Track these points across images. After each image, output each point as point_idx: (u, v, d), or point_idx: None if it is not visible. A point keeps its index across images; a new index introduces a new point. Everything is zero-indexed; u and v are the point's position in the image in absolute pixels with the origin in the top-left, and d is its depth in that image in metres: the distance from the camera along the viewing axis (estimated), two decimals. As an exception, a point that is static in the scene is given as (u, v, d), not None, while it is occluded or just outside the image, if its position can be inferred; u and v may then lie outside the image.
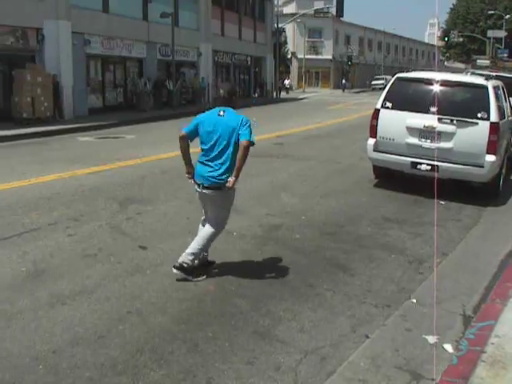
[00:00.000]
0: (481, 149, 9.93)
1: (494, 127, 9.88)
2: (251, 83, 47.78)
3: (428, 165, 10.25)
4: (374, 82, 77.68)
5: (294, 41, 76.22)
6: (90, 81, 27.65)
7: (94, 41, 26.98)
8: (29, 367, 4.40)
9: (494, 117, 9.92)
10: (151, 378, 4.32)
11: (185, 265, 6.14)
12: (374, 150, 10.97)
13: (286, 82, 61.43)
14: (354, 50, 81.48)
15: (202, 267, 6.38)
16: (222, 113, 6.08)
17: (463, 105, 10.46)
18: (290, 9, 76.95)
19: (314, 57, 77.28)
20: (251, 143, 5.89)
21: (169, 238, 7.75)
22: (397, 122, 10.63)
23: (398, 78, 11.28)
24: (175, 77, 31.80)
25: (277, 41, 50.48)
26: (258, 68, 48.88)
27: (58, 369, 4.39)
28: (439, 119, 10.13)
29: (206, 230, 6.30)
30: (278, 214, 9.07)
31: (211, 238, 6.29)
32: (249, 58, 46.68)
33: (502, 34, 71.78)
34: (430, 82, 10.74)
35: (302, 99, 50.09)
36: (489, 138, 9.87)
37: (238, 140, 5.89)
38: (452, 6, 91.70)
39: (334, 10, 53.29)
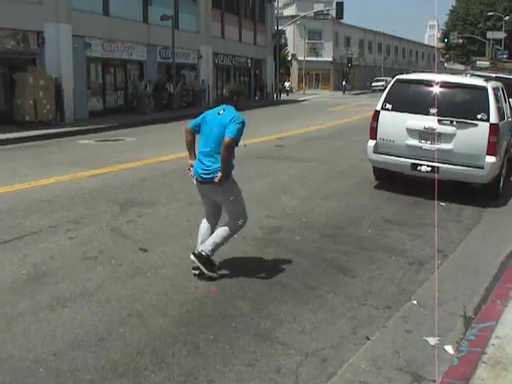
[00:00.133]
0: (481, 150, 9.93)
1: (493, 128, 9.88)
2: (251, 85, 47.78)
3: (428, 166, 10.26)
4: (374, 84, 77.75)
5: (294, 43, 76.32)
6: (90, 84, 27.69)
7: (94, 44, 27.02)
8: (29, 370, 4.40)
9: (493, 118, 9.93)
10: (152, 380, 4.32)
11: (203, 253, 6.22)
12: (374, 152, 10.98)
13: (287, 84, 61.52)
14: (354, 52, 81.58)
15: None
16: (221, 111, 6.17)
17: (463, 106, 10.47)
18: (289, 11, 77.08)
19: (314, 59, 77.37)
20: (233, 141, 5.92)
21: (169, 240, 7.76)
22: (397, 124, 10.64)
23: (397, 80, 11.29)
24: (175, 79, 31.83)
25: (277, 43, 50.56)
26: (258, 70, 48.91)
27: (58, 372, 4.39)
28: (439, 121, 10.14)
29: (225, 226, 6.34)
30: (278, 216, 9.07)
31: (234, 230, 6.36)
32: (249, 60, 46.71)
33: (501, 35, 71.79)
34: (429, 83, 10.75)
35: (302, 101, 50.11)
36: (489, 139, 9.88)
37: None
38: (451, 8, 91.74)
39: (333, 12, 53.49)
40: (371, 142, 11.05)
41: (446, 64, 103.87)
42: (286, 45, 70.10)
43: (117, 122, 24.76)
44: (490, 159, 9.90)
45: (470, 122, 9.97)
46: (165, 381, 4.32)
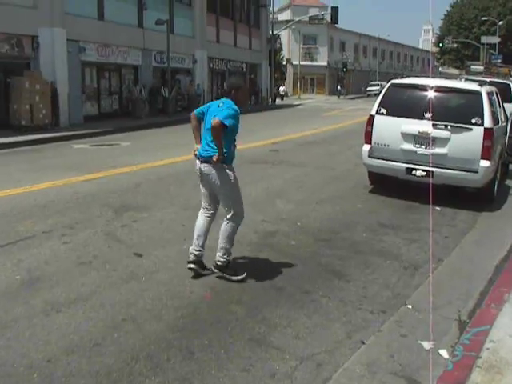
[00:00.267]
0: (475, 154, 9.96)
1: (488, 133, 9.91)
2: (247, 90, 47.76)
3: (423, 170, 10.28)
4: (369, 88, 77.92)
5: (289, 47, 76.42)
6: (85, 88, 27.67)
7: (89, 48, 27.00)
8: (23, 376, 4.38)
9: (488, 122, 9.96)
10: (146, 385, 4.31)
11: (219, 263, 6.41)
12: (369, 156, 11.00)
13: (281, 88, 61.54)
14: (349, 57, 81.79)
15: (200, 267, 6.53)
16: (221, 104, 6.34)
17: (457, 111, 10.49)
18: (284, 16, 77.27)
19: (309, 63, 77.50)
20: (221, 123, 6.02)
21: (164, 245, 7.74)
22: (391, 128, 10.66)
23: (392, 85, 11.31)
24: (170, 84, 31.82)
25: (272, 47, 50.57)
26: (253, 75, 48.95)
27: (52, 377, 4.37)
28: (434, 125, 10.16)
29: (226, 225, 6.45)
30: (273, 221, 9.07)
31: (233, 230, 6.46)
32: (244, 65, 46.76)
33: (495, 40, 72.11)
34: (424, 88, 10.77)
35: (297, 106, 50.18)
36: (483, 143, 9.90)
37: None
38: (446, 13, 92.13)
39: (328, 17, 53.57)
40: (366, 147, 11.06)
41: (440, 68, 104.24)
42: (280, 49, 70.13)
43: (112, 126, 24.73)
44: (485, 163, 9.93)
45: (464, 126, 10.00)
46: (159, 386, 4.31)
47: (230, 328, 5.25)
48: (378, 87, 70.47)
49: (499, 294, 5.89)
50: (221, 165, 6.25)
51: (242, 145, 6.74)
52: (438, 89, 10.63)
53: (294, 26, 63.45)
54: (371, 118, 11.01)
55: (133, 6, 30.50)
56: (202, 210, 6.72)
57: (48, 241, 7.83)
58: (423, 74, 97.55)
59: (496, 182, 10.94)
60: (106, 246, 7.68)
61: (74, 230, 8.41)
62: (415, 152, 10.40)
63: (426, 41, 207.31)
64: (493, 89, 11.80)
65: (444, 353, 4.78)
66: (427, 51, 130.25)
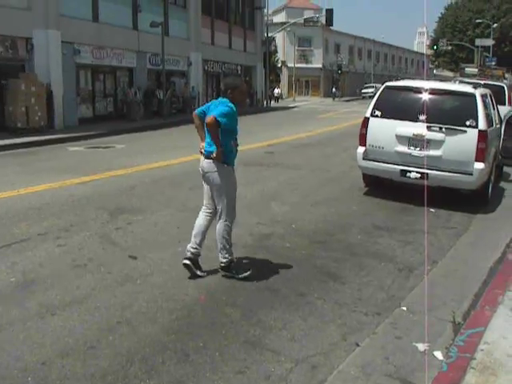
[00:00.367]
0: (469, 156, 9.98)
1: (482, 135, 9.94)
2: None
3: (417, 173, 10.29)
4: (363, 91, 78.02)
5: (284, 50, 76.49)
6: (80, 90, 27.63)
7: (83, 50, 26.98)
8: (17, 379, 4.37)
9: (482, 125, 9.99)
10: (141, 388, 4.31)
11: (222, 264, 6.56)
12: (364, 159, 11.02)
13: (276, 91, 61.58)
14: (344, 59, 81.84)
15: (194, 264, 6.58)
16: (218, 103, 6.46)
17: (452, 113, 10.52)
18: (279, 18, 77.36)
19: (304, 65, 77.54)
20: (214, 119, 6.12)
21: (159, 247, 7.74)
22: (386, 131, 10.68)
23: (386, 87, 11.34)
24: (165, 86, 31.81)
25: (267, 50, 50.63)
26: (248, 77, 48.97)
27: (47, 381, 4.36)
28: (428, 127, 10.19)
29: (219, 226, 6.55)
30: (268, 223, 9.07)
31: (227, 231, 6.55)
32: (239, 67, 46.78)
33: (489, 42, 72.37)
34: (418, 90, 10.79)
35: (292, 108, 50.21)
36: (477, 145, 9.93)
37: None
38: (440, 15, 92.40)
39: (323, 19, 53.67)
40: (361, 149, 11.08)
41: (435, 71, 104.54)
42: (275, 51, 70.22)
43: (106, 128, 24.71)
44: (479, 165, 9.95)
45: (458, 128, 10.02)
46: (154, 389, 4.31)
47: (224, 330, 5.25)
48: (372, 89, 70.60)
49: (493, 295, 5.90)
50: (221, 164, 6.36)
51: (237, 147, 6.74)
52: (433, 91, 10.66)
53: (288, 29, 63.49)
54: (366, 120, 11.03)
55: (127, 8, 30.49)
56: (202, 208, 6.83)
57: (43, 243, 7.82)
58: (418, 76, 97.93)
59: (490, 184, 10.97)
60: (100, 248, 7.67)
61: (69, 232, 8.40)
62: (410, 154, 10.42)
63: (420, 43, 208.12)
64: (487, 91, 11.84)
65: (438, 354, 4.79)
66: (422, 53, 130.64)
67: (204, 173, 6.57)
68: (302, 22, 58.20)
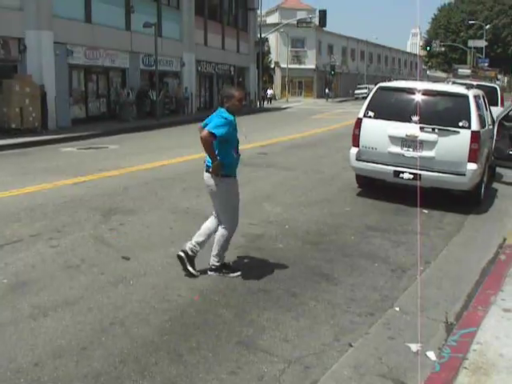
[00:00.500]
0: (462, 157, 10.01)
1: (475, 136, 9.97)
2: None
3: (410, 173, 10.31)
4: (357, 92, 78.20)
5: (278, 50, 76.53)
6: (72, 91, 27.53)
7: (76, 51, 26.88)
8: (10, 380, 4.35)
9: (474, 125, 10.01)
10: (134, 389, 4.30)
11: (213, 266, 6.68)
12: (357, 159, 11.03)
13: (269, 92, 61.56)
14: (337, 60, 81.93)
15: (189, 260, 6.65)
16: (215, 114, 6.48)
17: (445, 114, 10.54)
18: (272, 19, 77.32)
19: (297, 66, 77.58)
20: (208, 133, 6.18)
21: (152, 248, 7.73)
22: (379, 131, 10.70)
23: (380, 88, 11.36)
24: (158, 87, 31.76)
25: (260, 50, 50.63)
26: (241, 78, 48.96)
27: (40, 382, 4.35)
28: (421, 128, 10.21)
29: (218, 232, 6.67)
30: (261, 224, 9.07)
31: (226, 239, 6.65)
32: (232, 68, 46.75)
33: (482, 43, 72.69)
34: (411, 91, 10.82)
35: (285, 109, 50.20)
36: (470, 146, 9.96)
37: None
38: (434, 16, 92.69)
39: (316, 20, 53.73)
40: (354, 150, 11.10)
41: (428, 72, 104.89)
42: (269, 52, 70.26)
43: (99, 129, 24.64)
44: (472, 166, 9.98)
45: (451, 129, 10.05)
46: (147, 390, 4.30)
47: (217, 331, 5.25)
48: (365, 90, 70.79)
49: (486, 296, 5.92)
50: (220, 177, 6.42)
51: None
52: (426, 92, 10.68)
53: (282, 29, 63.51)
54: (359, 121, 11.05)
55: (120, 9, 30.41)
56: (213, 213, 6.87)
57: (35, 244, 7.79)
58: (411, 77, 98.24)
59: (483, 185, 11.00)
60: (93, 249, 7.65)
61: (61, 233, 8.38)
62: (403, 155, 10.44)
63: (413, 44, 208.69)
64: (480, 92, 11.88)
65: (431, 355, 4.81)
66: (415, 54, 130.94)
67: (206, 185, 6.63)
68: (295, 22, 58.17)
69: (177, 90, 36.57)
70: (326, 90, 72.54)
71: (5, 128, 22.06)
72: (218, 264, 6.66)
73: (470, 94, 10.47)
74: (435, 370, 4.44)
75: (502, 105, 19.05)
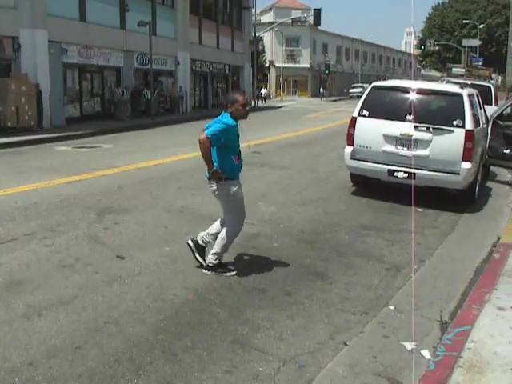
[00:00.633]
0: (457, 156, 10.03)
1: (469, 135, 9.99)
2: (229, 92, 47.72)
3: (405, 172, 10.33)
4: (351, 91, 78.27)
5: (272, 49, 76.52)
6: (67, 90, 27.47)
7: (71, 50, 26.81)
8: (4, 380, 4.34)
9: (469, 124, 10.03)
10: (129, 388, 4.30)
11: (210, 264, 6.69)
12: (352, 158, 11.04)
13: (263, 91, 61.48)
14: (332, 59, 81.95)
15: (198, 250, 6.84)
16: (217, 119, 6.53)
17: (439, 113, 10.56)
18: (267, 18, 77.32)
19: (291, 65, 77.58)
20: (205, 138, 6.22)
21: (147, 247, 7.72)
22: (373, 130, 10.71)
23: (374, 87, 11.37)
24: (153, 86, 31.72)
25: (254, 49, 50.61)
26: (236, 77, 48.93)
27: (34, 381, 4.34)
28: (415, 127, 10.23)
29: (221, 232, 6.72)
30: (256, 223, 9.07)
31: (229, 239, 6.70)
32: (227, 67, 46.70)
33: (476, 42, 72.83)
34: (406, 90, 10.83)
35: (280, 107, 50.20)
36: (464, 145, 9.98)
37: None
38: (428, 15, 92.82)
39: (311, 19, 53.74)
40: (348, 149, 11.11)
41: (422, 71, 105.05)
42: (263, 51, 70.24)
43: (94, 128, 24.59)
44: (466, 165, 10.00)
45: (445, 128, 10.07)
46: (142, 389, 4.30)
47: (212, 330, 5.25)
48: (360, 89, 70.81)
49: (480, 294, 5.94)
50: (221, 182, 6.46)
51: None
52: (420, 91, 10.70)
53: (276, 28, 63.50)
54: (353, 120, 11.06)
55: (115, 8, 30.34)
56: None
57: (30, 243, 7.78)
58: (405, 76, 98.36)
59: (477, 184, 11.03)
60: (88, 248, 7.64)
61: (56, 232, 8.36)
62: (397, 154, 10.46)
63: (408, 43, 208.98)
64: (474, 91, 11.90)
65: (426, 353, 4.82)
66: (409, 54, 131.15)
67: (209, 187, 6.72)
68: (290, 21, 58.22)
69: (171, 88, 36.53)
70: (321, 89, 72.59)
71: (0, 127, 22.05)
72: (214, 262, 6.66)
73: (464, 93, 10.49)
74: (430, 368, 4.44)
75: (496, 104, 19.08)
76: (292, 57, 78.94)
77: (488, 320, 5.25)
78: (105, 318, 5.44)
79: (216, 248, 6.66)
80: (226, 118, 6.37)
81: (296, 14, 69.47)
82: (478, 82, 21.07)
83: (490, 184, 13.14)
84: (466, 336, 4.89)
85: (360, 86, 74.98)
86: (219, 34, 44.28)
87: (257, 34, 51.37)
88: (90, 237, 8.17)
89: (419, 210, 10.05)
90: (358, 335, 5.22)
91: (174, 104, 36.14)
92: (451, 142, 10.08)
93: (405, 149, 10.39)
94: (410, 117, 10.30)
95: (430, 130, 10.14)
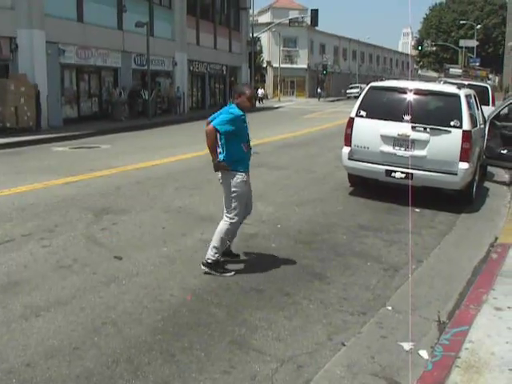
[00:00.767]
0: (454, 156, 10.04)
1: (466, 135, 10.00)
2: (227, 92, 47.77)
3: (402, 173, 10.33)
4: (348, 91, 78.37)
5: (270, 50, 76.56)
6: (64, 90, 27.42)
7: (68, 50, 26.77)
8: (1, 381, 4.33)
9: (466, 125, 10.04)
10: (127, 389, 4.29)
11: (209, 260, 6.68)
12: (349, 159, 11.05)
13: (260, 91, 61.40)
14: (329, 59, 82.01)
15: (225, 256, 6.95)
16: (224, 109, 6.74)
17: (436, 113, 10.57)
18: (265, 18, 77.40)
19: (289, 66, 77.63)
20: (213, 128, 6.42)
21: (144, 247, 7.71)
22: (371, 131, 10.72)
23: (371, 87, 11.38)
24: (150, 86, 31.71)
25: (252, 50, 50.60)
26: (233, 77, 48.93)
27: (32, 382, 4.33)
28: (413, 127, 10.24)
29: (220, 224, 6.77)
30: (253, 223, 9.04)
31: (226, 232, 6.72)
32: (224, 68, 46.69)
33: (473, 43, 72.94)
34: (403, 90, 10.84)
35: (277, 108, 50.17)
36: (462, 145, 9.99)
37: None
38: (425, 16, 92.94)
39: (308, 20, 53.80)
40: (346, 149, 11.11)
41: (419, 71, 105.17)
42: (261, 52, 70.26)
43: (91, 129, 24.57)
44: (463, 165, 10.01)
45: (443, 128, 10.08)
46: (140, 389, 4.30)
47: (210, 330, 5.25)
48: (357, 90, 70.90)
49: (478, 294, 5.94)
50: (227, 172, 6.62)
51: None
52: (417, 91, 10.71)
53: (274, 29, 63.63)
54: (351, 120, 11.06)
55: (112, 9, 30.32)
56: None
57: (27, 244, 7.76)
58: (403, 76, 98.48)
59: (474, 184, 11.03)
60: (85, 249, 7.63)
61: (53, 233, 8.35)
62: (395, 154, 10.46)
63: (405, 44, 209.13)
64: (471, 92, 11.91)
65: (424, 353, 4.82)
66: (406, 54, 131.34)
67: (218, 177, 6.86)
68: (287, 22, 58.24)
69: (169, 89, 36.51)
70: (318, 90, 72.60)
71: (0, 127, 22.02)
72: (213, 258, 6.64)
73: (462, 93, 10.50)
74: (428, 368, 4.45)
75: (494, 104, 19.11)
76: (289, 57, 78.97)
77: (486, 320, 5.26)
78: (102, 319, 5.44)
79: (214, 242, 6.68)
80: (232, 108, 6.59)
81: (293, 14, 69.45)
82: (475, 83, 21.10)
83: (487, 184, 13.15)
84: (464, 336, 4.89)
85: (357, 87, 75.08)
86: (217, 34, 44.30)
87: (254, 35, 51.40)
88: (87, 237, 8.16)
89: (417, 210, 10.05)
90: (356, 335, 5.22)
91: (172, 105, 36.13)
92: (448, 142, 10.08)
93: (402, 149, 10.40)
94: (407, 117, 10.31)
95: (428, 130, 10.15)
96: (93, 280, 6.46)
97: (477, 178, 11.28)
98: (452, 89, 10.97)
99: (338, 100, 71.26)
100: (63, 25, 26.04)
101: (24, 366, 4.54)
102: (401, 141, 10.39)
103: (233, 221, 6.72)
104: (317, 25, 51.01)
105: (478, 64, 66.40)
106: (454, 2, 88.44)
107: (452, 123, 10.06)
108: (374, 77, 76.51)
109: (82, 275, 6.61)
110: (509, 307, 5.56)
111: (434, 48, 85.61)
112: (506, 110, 13.59)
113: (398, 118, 10.44)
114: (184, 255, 7.32)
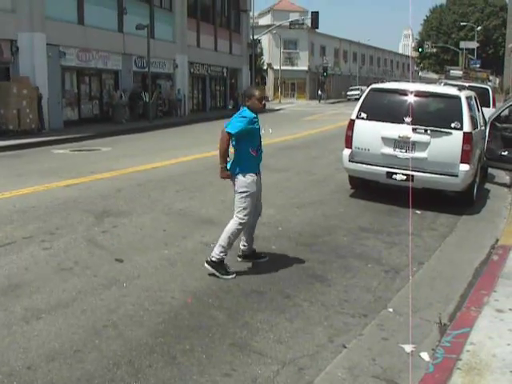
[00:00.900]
0: (455, 158, 10.03)
1: (467, 137, 9.99)
2: (227, 95, 47.81)
3: (403, 175, 10.33)
4: (349, 93, 78.42)
5: (270, 52, 76.61)
6: (65, 93, 27.47)
7: (69, 53, 26.82)
8: None
9: (467, 127, 10.04)
10: (128, 391, 4.29)
11: (213, 258, 6.68)
12: (350, 161, 11.04)
13: (259, 94, 61.35)
14: (330, 61, 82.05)
15: (249, 257, 7.19)
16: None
17: (437, 115, 10.57)
18: (265, 20, 77.44)
19: (289, 68, 77.72)
20: (226, 133, 6.56)
21: (145, 250, 7.71)
22: (372, 133, 10.71)
23: (372, 89, 11.38)
24: (151, 89, 31.74)
25: (252, 52, 50.60)
26: (234, 79, 48.94)
27: (33, 384, 4.33)
28: (413, 129, 10.23)
29: (228, 224, 6.79)
30: (254, 225, 9.06)
31: (234, 232, 6.74)
32: (225, 70, 46.72)
33: (474, 45, 72.94)
34: (404, 92, 10.84)
35: (278, 110, 50.14)
36: (462, 147, 9.98)
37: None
38: (425, 18, 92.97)
39: (309, 22, 53.78)
40: (346, 151, 11.11)
41: (420, 73, 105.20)
42: (261, 54, 70.24)
43: (92, 131, 24.59)
44: (464, 167, 10.01)
45: (444, 130, 10.07)
46: (141, 392, 4.29)
47: (211, 333, 5.24)
48: (358, 92, 70.91)
49: (479, 296, 5.94)
50: (236, 174, 6.73)
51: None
52: (418, 93, 10.71)
53: (274, 31, 63.65)
54: (351, 122, 11.06)
55: (113, 11, 30.37)
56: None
57: (28, 247, 7.77)
58: (403, 78, 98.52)
59: (475, 186, 11.03)
60: (86, 251, 7.63)
61: (54, 235, 8.35)
62: (395, 156, 10.46)
63: (405, 45, 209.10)
64: (472, 93, 11.91)
65: (425, 355, 4.81)
66: (407, 56, 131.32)
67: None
68: (288, 24, 58.30)
69: (169, 91, 36.54)
70: (319, 92, 72.65)
71: (2, 130, 22.10)
72: (218, 257, 6.64)
73: (462, 95, 10.50)
74: (429, 370, 4.44)
75: (494, 106, 19.11)
76: (290, 59, 79.04)
77: (487, 322, 5.25)
78: (104, 322, 5.43)
79: (221, 241, 6.69)
80: (244, 111, 6.71)
81: (294, 16, 69.59)
82: (475, 84, 21.09)
83: (488, 186, 13.14)
84: (465, 338, 4.89)
85: (358, 89, 75.09)
86: (217, 36, 44.35)
87: (255, 37, 51.38)
88: (88, 240, 8.16)
89: (418, 212, 10.05)
90: (357, 338, 5.22)
91: (172, 107, 36.16)
92: (449, 144, 10.08)
93: (403, 151, 10.40)
94: (408, 119, 10.31)
95: (428, 132, 10.14)
96: (94, 282, 6.46)
97: (477, 179, 11.28)
98: (453, 91, 10.98)
99: (338, 102, 71.28)
100: (64, 27, 26.08)
101: (25, 369, 4.54)
102: (401, 143, 10.39)
103: (242, 221, 6.72)
104: (317, 27, 51.03)
105: (478, 66, 66.39)
106: (454, 4, 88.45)
107: (453, 125, 10.05)
108: (374, 79, 76.59)
109: (83, 278, 6.61)
110: (510, 309, 5.55)
111: (435, 50, 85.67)
112: (506, 112, 13.57)
113: (399, 120, 10.43)
114: (185, 258, 7.32)
